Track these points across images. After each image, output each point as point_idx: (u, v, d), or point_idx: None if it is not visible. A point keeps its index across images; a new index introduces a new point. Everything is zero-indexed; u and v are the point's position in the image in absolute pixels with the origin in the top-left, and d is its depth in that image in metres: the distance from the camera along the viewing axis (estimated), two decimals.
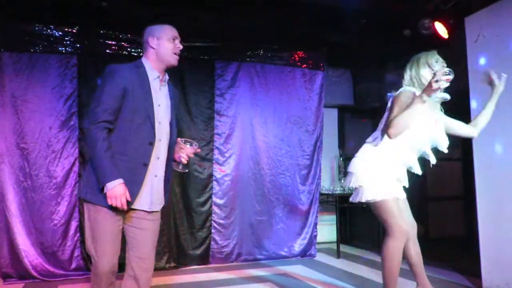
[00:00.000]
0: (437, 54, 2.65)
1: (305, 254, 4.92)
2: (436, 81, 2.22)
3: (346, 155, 5.76)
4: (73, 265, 4.04)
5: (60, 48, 4.09)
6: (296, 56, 5.00)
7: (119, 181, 1.99)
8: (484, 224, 3.56)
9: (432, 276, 4.03)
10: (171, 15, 4.18)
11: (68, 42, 4.11)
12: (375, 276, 4.06)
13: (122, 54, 4.28)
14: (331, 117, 6.07)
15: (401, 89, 2.61)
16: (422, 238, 6.19)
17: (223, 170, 4.61)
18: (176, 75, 4.50)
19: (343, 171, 5.49)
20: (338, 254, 4.97)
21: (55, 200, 4.02)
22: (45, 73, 4.05)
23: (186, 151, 2.29)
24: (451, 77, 2.25)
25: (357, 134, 6.49)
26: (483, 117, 2.74)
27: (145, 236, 2.16)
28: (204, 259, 4.49)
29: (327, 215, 5.89)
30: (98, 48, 4.21)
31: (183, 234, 4.41)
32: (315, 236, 5.01)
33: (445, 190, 6.37)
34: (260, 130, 4.79)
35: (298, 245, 4.89)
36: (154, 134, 2.13)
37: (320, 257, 4.96)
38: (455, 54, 4.22)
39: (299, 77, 5.01)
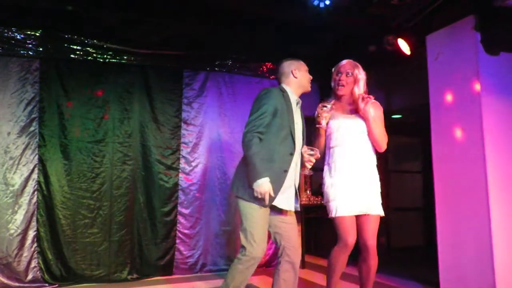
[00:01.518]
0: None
1: (270, 264, 4.92)
2: (318, 115, 2.75)
3: (312, 166, 5.83)
4: (30, 277, 3.87)
5: (22, 52, 3.96)
6: (265, 67, 5.05)
7: (267, 179, 2.41)
8: (442, 234, 3.68)
9: (392, 285, 4.13)
10: (139, 22, 4.15)
11: (30, 46, 3.99)
12: (339, 286, 4.11)
13: (87, 60, 4.19)
14: None
15: None
16: (384, 248, 6.34)
17: (190, 179, 4.57)
18: (144, 83, 4.46)
19: (309, 182, 5.56)
20: (303, 264, 5.00)
21: (11, 209, 3.86)
22: (5, 77, 3.92)
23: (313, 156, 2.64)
24: (327, 109, 2.71)
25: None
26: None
27: (291, 229, 2.67)
28: (167, 269, 4.40)
29: None
30: (63, 52, 4.11)
31: (147, 245, 4.32)
32: None
33: (406, 201, 6.55)
34: (227, 139, 4.79)
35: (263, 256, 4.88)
36: (294, 147, 2.59)
37: None
38: (417, 70, 4.40)
39: None
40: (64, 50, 4.11)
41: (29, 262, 3.89)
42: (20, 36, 3.96)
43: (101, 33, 4.21)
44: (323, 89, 6.17)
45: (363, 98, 2.71)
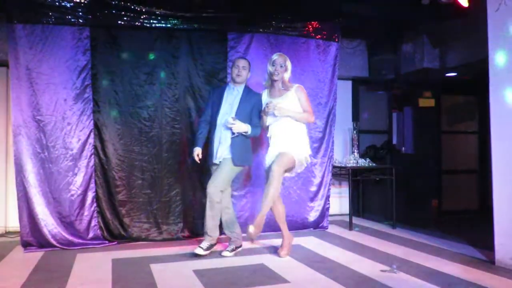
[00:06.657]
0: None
1: (317, 226, 4.97)
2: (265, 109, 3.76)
3: (360, 128, 5.71)
4: (91, 235, 4.15)
5: (72, 20, 4.07)
6: (310, 26, 4.90)
7: (198, 148, 3.91)
8: (499, 197, 3.53)
9: (444, 249, 4.05)
10: None
11: (80, 14, 4.09)
12: (387, 247, 4.10)
13: (134, 26, 4.25)
14: (345, 90, 5.99)
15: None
16: (436, 210, 6.17)
17: None
18: (189, 47, 4.47)
19: (357, 144, 5.46)
20: (351, 226, 5.01)
21: (71, 171, 4.10)
22: (59, 45, 4.06)
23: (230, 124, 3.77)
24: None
25: (372, 107, 6.42)
26: None
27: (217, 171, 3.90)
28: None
29: (340, 187, 5.91)
30: (110, 19, 4.18)
31: (196, 204, 4.47)
32: (328, 209, 5.04)
33: (459, 163, 6.31)
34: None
35: (310, 217, 4.93)
36: (216, 121, 3.89)
37: (333, 229, 5.01)
38: (475, 24, 4.10)
39: (313, 48, 4.92)
40: (112, 16, 4.18)
41: (89, 221, 4.16)
42: (69, 5, 4.06)
43: None
44: (369, 47, 5.95)
45: (273, 107, 3.65)
